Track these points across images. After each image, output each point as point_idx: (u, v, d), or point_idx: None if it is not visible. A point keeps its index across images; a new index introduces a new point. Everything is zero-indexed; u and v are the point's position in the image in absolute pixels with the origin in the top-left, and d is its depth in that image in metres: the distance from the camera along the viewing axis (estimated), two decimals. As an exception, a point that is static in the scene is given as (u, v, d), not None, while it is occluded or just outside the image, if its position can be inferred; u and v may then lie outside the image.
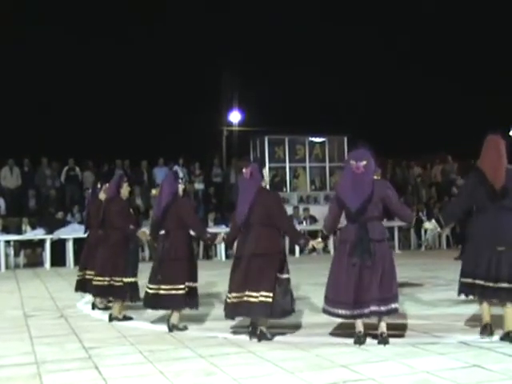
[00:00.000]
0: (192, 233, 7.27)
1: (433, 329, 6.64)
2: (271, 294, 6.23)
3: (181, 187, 7.21)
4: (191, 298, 7.00)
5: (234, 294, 6.40)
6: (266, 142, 19.87)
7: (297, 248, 17.70)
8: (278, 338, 6.43)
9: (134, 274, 7.88)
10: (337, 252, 6.40)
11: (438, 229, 6.50)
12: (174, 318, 7.04)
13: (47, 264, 15.95)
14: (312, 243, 6.71)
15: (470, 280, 5.96)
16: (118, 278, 7.77)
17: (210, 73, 29.14)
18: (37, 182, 19.50)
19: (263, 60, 29.10)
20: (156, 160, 20.38)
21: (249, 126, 29.12)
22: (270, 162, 19.68)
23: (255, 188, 6.53)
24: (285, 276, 6.45)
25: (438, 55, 29.97)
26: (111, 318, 7.81)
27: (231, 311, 6.48)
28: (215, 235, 7.38)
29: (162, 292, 6.95)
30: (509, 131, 39.18)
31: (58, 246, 16.24)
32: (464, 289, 6.08)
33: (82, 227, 16.17)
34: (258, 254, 6.33)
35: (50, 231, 16.23)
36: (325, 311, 6.22)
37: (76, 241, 15.89)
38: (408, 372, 5.09)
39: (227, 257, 17.14)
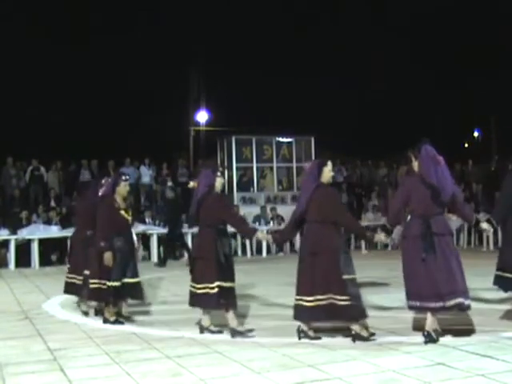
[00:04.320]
0: (232, 228, 7.00)
1: (399, 328, 6.69)
2: (346, 297, 6.04)
3: (219, 180, 6.84)
4: (224, 298, 6.56)
5: (307, 298, 6.12)
6: (233, 142, 19.85)
7: (264, 248, 17.73)
8: (245, 339, 6.44)
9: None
10: (404, 249, 6.29)
11: (492, 229, 6.71)
12: (205, 320, 6.76)
13: (12, 265, 15.74)
14: (379, 236, 6.66)
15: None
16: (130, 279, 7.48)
17: (178, 72, 29.08)
18: (1, 181, 19.23)
19: (231, 60, 29.12)
20: (123, 160, 20.22)
21: (216, 126, 29.09)
22: (237, 162, 19.77)
23: (313, 185, 6.32)
24: (351, 276, 6.22)
25: (403, 55, 30.24)
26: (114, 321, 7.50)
27: (309, 315, 6.18)
28: (255, 229, 7.06)
29: (198, 291, 6.63)
30: (472, 133, 39.63)
31: (23, 247, 16.03)
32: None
33: (48, 227, 16.20)
34: (314, 253, 6.14)
35: (13, 231, 16.01)
36: (412, 307, 6.18)
37: (41, 241, 15.80)
38: (374, 371, 5.12)
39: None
